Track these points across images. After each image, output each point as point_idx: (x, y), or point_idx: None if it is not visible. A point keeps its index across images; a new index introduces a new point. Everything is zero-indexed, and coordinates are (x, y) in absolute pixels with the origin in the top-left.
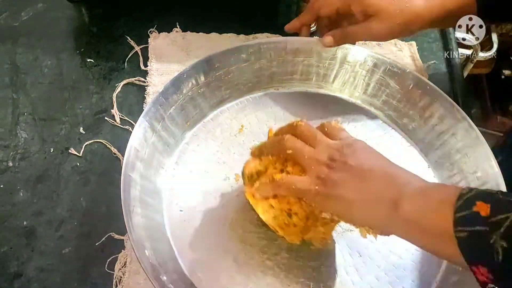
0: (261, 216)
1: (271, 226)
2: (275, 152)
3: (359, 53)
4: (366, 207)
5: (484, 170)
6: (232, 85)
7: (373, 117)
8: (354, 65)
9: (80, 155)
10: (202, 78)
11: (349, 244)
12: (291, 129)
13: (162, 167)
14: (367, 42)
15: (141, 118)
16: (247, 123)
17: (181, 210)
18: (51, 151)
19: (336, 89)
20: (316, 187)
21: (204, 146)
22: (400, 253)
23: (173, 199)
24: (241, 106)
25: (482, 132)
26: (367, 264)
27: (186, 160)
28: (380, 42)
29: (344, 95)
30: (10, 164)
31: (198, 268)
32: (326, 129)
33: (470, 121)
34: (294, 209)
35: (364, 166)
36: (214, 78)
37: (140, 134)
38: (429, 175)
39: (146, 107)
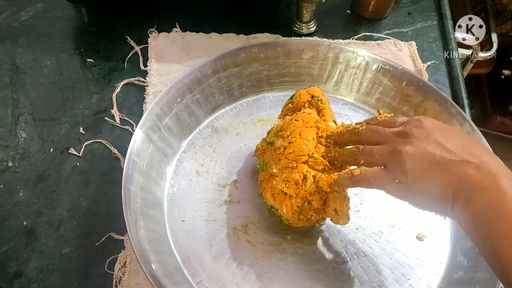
0: (270, 202)
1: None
2: (348, 162)
3: (351, 52)
4: (442, 202)
5: None
6: (225, 90)
7: (368, 115)
8: (346, 65)
9: (80, 155)
10: (196, 86)
11: (354, 245)
12: (354, 135)
13: (161, 178)
14: (366, 42)
15: (137, 129)
16: (243, 127)
17: (183, 220)
18: (51, 151)
19: (329, 89)
20: (397, 181)
21: (201, 153)
22: (405, 251)
23: (175, 210)
24: (236, 111)
25: (481, 132)
26: (373, 263)
27: (185, 169)
28: (379, 42)
29: (338, 95)
30: (10, 164)
31: (205, 277)
32: (381, 122)
33: (464, 114)
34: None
35: (436, 156)
36: (207, 84)
37: (138, 146)
38: None
39: (141, 119)
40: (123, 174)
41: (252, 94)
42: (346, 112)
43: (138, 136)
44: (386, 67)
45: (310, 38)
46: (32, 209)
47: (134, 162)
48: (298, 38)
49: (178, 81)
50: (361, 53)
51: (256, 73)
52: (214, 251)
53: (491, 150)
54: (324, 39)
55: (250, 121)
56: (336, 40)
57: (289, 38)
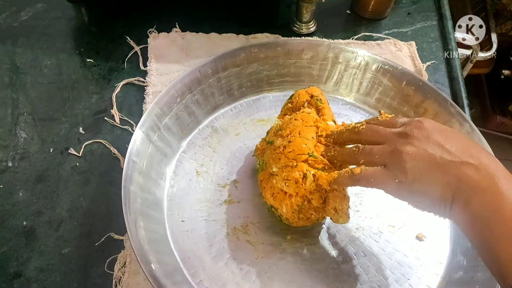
0: (270, 202)
1: (283, 213)
2: (348, 162)
3: (351, 52)
4: (441, 203)
5: None
6: (225, 90)
7: (368, 115)
8: (346, 65)
9: (80, 155)
10: (196, 86)
11: (354, 245)
12: (354, 134)
13: (161, 178)
14: (366, 42)
15: (137, 129)
16: (242, 127)
17: (183, 220)
18: (51, 151)
19: (329, 89)
20: (396, 181)
21: (201, 153)
22: (405, 251)
23: (174, 210)
24: (236, 111)
25: (481, 132)
26: (373, 263)
27: (184, 169)
28: (379, 42)
29: (338, 95)
30: (10, 164)
31: (205, 277)
32: (382, 123)
33: (464, 114)
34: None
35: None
36: (207, 84)
37: (137, 146)
38: None
39: (141, 119)
40: (123, 174)
41: (252, 94)
42: (346, 112)
43: (138, 136)
44: (386, 67)
45: (310, 38)
46: (32, 209)
47: (134, 162)
48: (298, 38)
49: (177, 81)
50: (361, 53)
51: (256, 73)
52: (214, 251)
53: (491, 151)
54: (324, 39)
55: (250, 121)
56: (336, 40)
57: (289, 38)
